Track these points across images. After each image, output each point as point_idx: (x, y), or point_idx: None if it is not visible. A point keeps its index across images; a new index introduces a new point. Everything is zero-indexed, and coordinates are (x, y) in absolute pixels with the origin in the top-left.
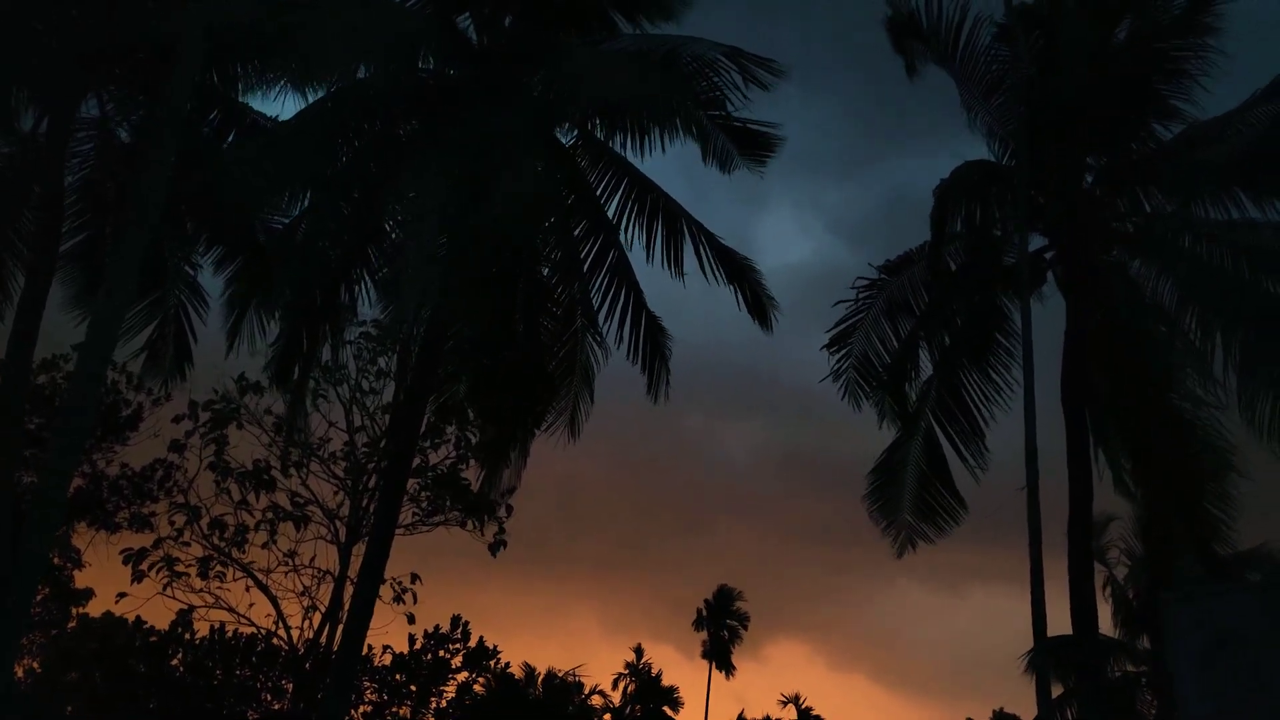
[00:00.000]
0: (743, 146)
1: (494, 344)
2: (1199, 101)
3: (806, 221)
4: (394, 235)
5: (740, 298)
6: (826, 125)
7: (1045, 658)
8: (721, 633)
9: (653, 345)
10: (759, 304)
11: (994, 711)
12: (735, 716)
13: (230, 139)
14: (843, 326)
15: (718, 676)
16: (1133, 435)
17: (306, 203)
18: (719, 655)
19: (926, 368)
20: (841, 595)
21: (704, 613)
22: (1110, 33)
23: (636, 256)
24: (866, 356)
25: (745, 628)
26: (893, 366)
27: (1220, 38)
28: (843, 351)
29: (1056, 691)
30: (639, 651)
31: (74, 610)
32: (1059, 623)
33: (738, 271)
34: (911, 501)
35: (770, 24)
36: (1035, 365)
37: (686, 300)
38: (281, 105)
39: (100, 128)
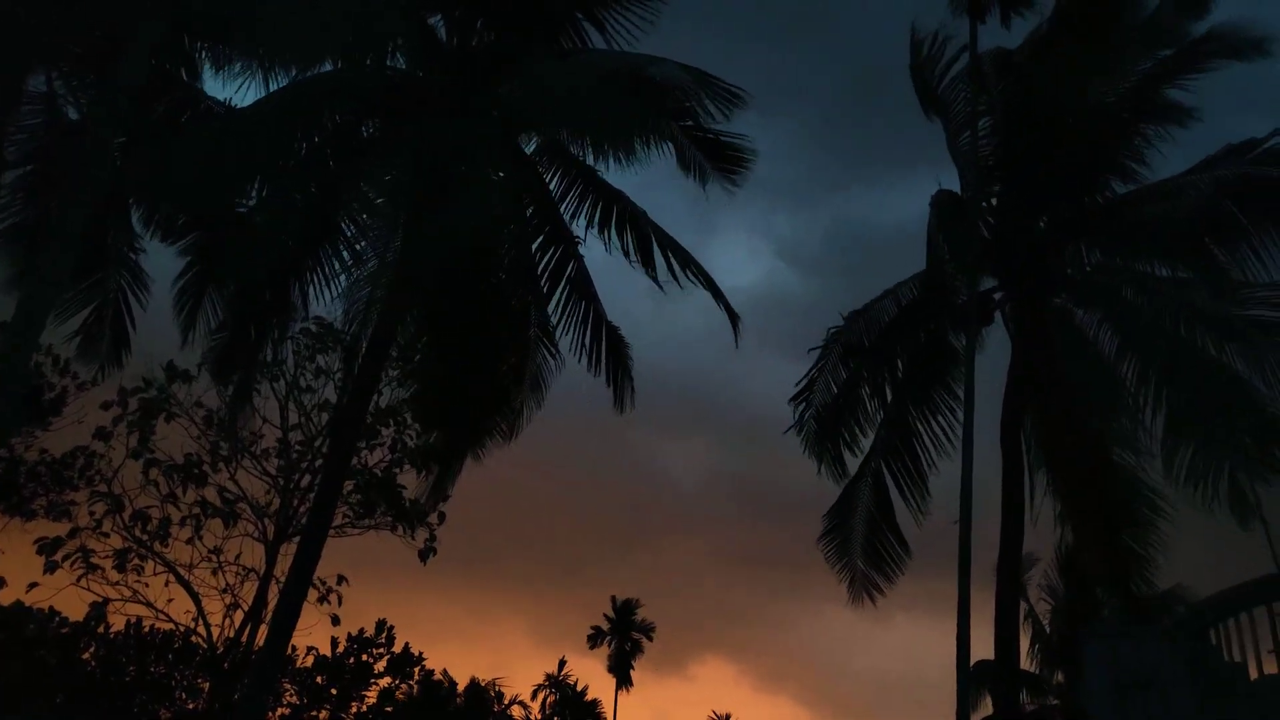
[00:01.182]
0: (714, 159)
1: (443, 349)
2: (1153, 164)
3: (756, 246)
4: (349, 233)
5: (718, 302)
6: (782, 154)
7: (968, 681)
8: (625, 644)
9: (615, 358)
10: (732, 311)
11: None
12: None
13: (183, 122)
14: (806, 378)
15: (645, 692)
16: (1062, 474)
17: (263, 193)
18: (621, 668)
19: (872, 408)
20: (772, 618)
21: (606, 627)
22: (1079, 90)
23: (597, 268)
24: (825, 406)
25: (650, 638)
26: (839, 407)
27: (1190, 95)
28: (804, 402)
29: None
30: (561, 663)
31: None
32: (981, 653)
33: (708, 282)
34: (861, 546)
35: (731, 51)
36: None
37: (639, 320)
38: (239, 91)
39: (48, 103)
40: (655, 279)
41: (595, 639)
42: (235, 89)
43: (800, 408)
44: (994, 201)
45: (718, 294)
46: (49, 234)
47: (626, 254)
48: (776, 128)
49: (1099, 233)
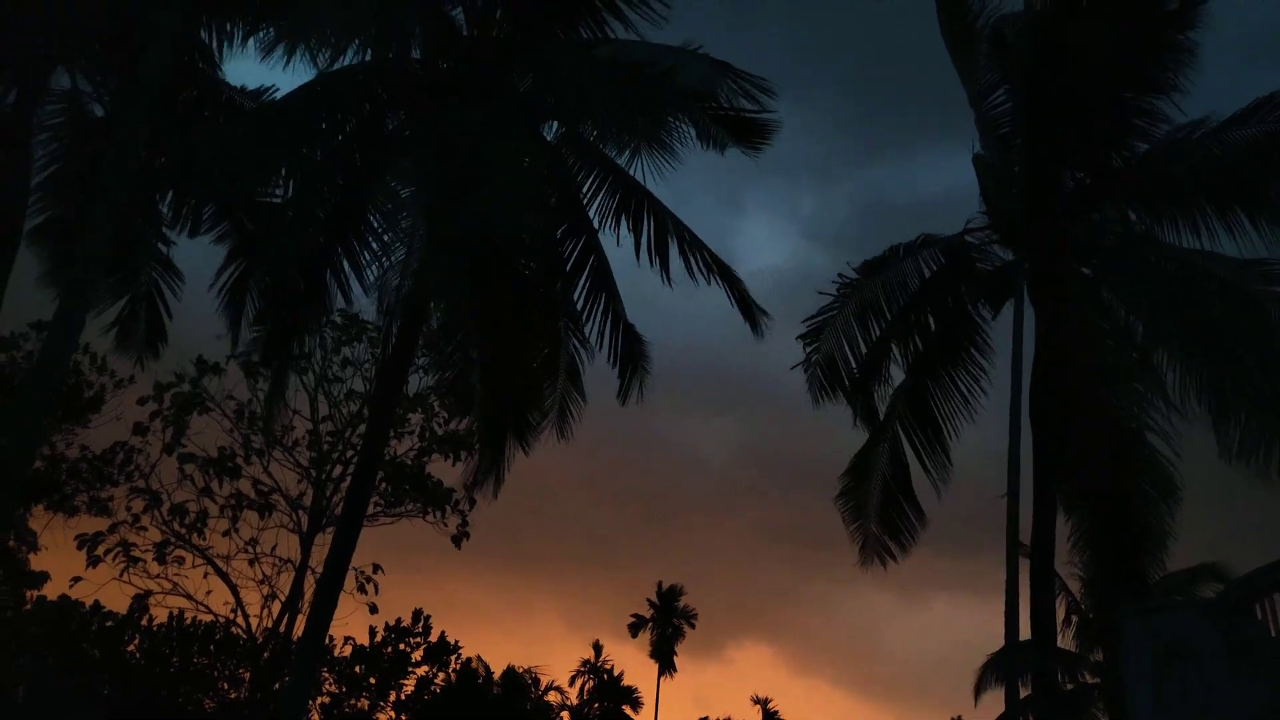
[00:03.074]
0: (737, 135)
1: (476, 338)
2: (1179, 103)
3: (782, 226)
4: (377, 225)
5: (732, 299)
6: (805, 132)
7: (1015, 660)
8: (666, 630)
9: (628, 354)
10: (748, 306)
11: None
12: (696, 717)
13: (205, 114)
14: (818, 320)
15: (683, 678)
16: (1080, 449)
17: (291, 187)
18: (663, 654)
19: (897, 374)
20: (809, 599)
21: (650, 613)
22: (1101, 43)
23: (616, 257)
24: (833, 357)
25: (692, 625)
26: (862, 369)
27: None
28: (813, 345)
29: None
30: (598, 649)
31: (28, 593)
32: (1023, 633)
33: (725, 275)
34: (877, 511)
35: (750, 31)
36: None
37: (666, 296)
38: (267, 73)
39: (71, 100)
40: (667, 276)
41: (636, 626)
42: (259, 74)
43: (810, 348)
44: (1017, 169)
45: (734, 286)
46: (81, 231)
47: (638, 250)
48: (799, 105)
49: (1125, 197)
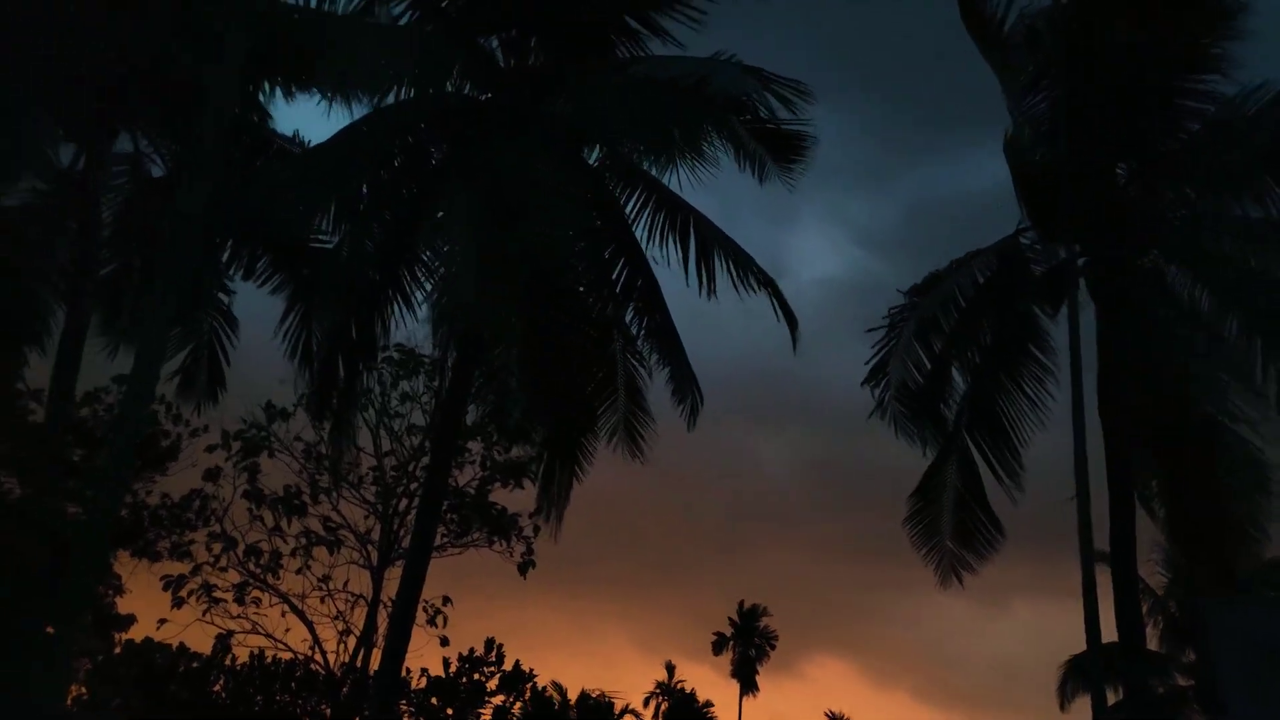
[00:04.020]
0: (775, 151)
1: (529, 367)
2: (1231, 76)
3: (832, 234)
4: (428, 260)
5: (778, 313)
6: (848, 137)
7: (1098, 665)
8: (749, 651)
9: (683, 374)
10: (791, 320)
11: None
12: None
13: (259, 165)
14: (877, 357)
15: (760, 696)
16: (1161, 447)
17: (341, 230)
18: (745, 674)
19: (960, 385)
20: (884, 611)
21: (730, 632)
22: (1143, 29)
23: (665, 275)
24: (905, 384)
25: (772, 646)
26: (925, 388)
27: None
28: (882, 383)
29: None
30: (670, 669)
31: (116, 636)
32: (1104, 635)
33: (772, 290)
34: (951, 527)
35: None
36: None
37: (722, 310)
38: (310, 122)
39: (133, 162)
40: (713, 290)
41: (719, 645)
42: (305, 120)
43: (879, 390)
44: (1064, 163)
45: (781, 301)
46: (153, 287)
47: (686, 266)
48: (840, 110)
49: (1181, 180)
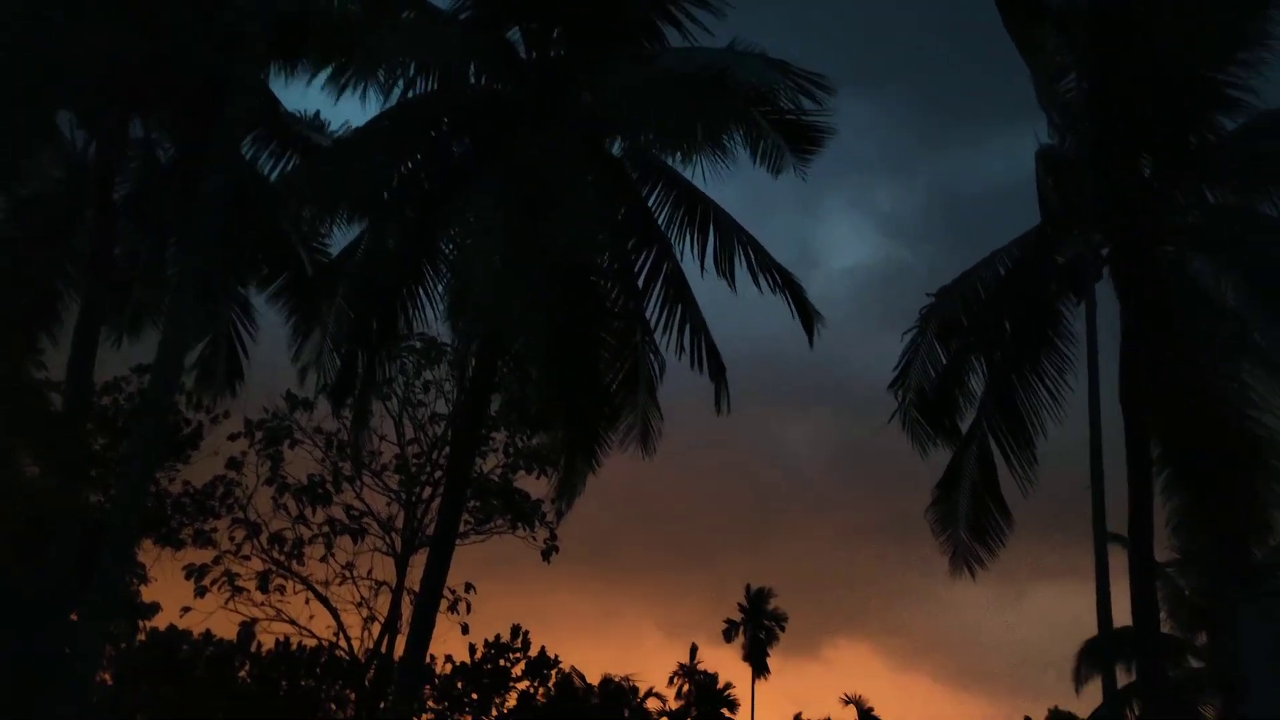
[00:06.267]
0: (792, 141)
1: (555, 360)
2: (1261, 91)
3: (858, 223)
4: (450, 254)
5: (791, 308)
6: (873, 126)
7: (1110, 649)
8: (759, 634)
9: (714, 363)
10: (806, 315)
11: (1050, 710)
12: (791, 717)
13: (281, 159)
14: (902, 363)
15: (781, 678)
16: (1181, 434)
17: (363, 224)
18: (756, 657)
19: (977, 386)
20: (906, 594)
21: (739, 618)
22: (1174, 24)
23: (689, 265)
24: (922, 388)
25: (782, 628)
26: (939, 398)
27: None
28: (903, 387)
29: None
30: (693, 651)
31: (141, 624)
32: (1119, 619)
33: (787, 283)
34: (966, 518)
35: (806, 25)
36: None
37: (747, 295)
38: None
39: (145, 149)
40: (732, 282)
41: (730, 631)
42: (326, 111)
43: (901, 393)
44: (1091, 153)
45: (799, 301)
46: (164, 276)
47: (702, 258)
48: (862, 103)
49: (1209, 173)
